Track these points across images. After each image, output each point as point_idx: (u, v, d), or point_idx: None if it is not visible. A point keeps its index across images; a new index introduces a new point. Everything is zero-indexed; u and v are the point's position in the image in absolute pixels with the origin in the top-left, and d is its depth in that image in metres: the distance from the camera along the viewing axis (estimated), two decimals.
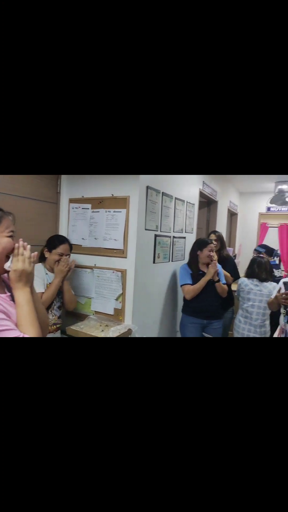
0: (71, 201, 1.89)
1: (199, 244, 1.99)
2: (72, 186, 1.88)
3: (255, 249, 2.86)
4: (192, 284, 1.92)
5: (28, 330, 0.70)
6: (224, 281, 2.02)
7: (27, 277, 0.74)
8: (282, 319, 1.76)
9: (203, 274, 1.94)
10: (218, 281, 1.94)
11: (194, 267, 1.96)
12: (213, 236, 2.25)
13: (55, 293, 1.50)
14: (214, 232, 2.32)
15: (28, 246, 0.76)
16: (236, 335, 2.15)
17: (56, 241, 1.54)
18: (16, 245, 0.75)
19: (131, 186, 1.65)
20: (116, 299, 1.72)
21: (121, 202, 1.68)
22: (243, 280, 2.16)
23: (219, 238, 2.27)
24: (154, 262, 1.88)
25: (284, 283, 1.70)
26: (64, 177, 1.89)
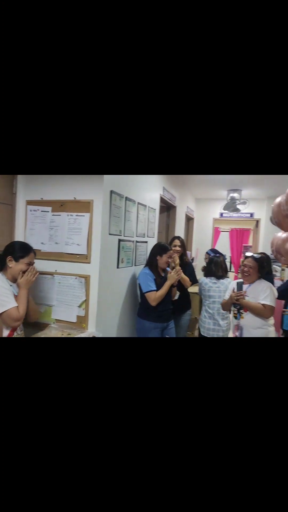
0: (29, 203, 1.77)
1: (160, 249, 1.98)
2: (30, 188, 1.76)
3: (206, 252, 3.05)
4: (156, 290, 1.89)
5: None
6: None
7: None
8: (232, 317, 1.89)
9: (163, 278, 1.96)
10: (175, 285, 2.01)
11: (156, 272, 1.96)
12: (177, 242, 2.31)
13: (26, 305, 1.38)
14: (178, 237, 2.39)
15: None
16: (202, 330, 2.26)
17: (24, 249, 1.40)
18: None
19: (95, 190, 1.62)
20: (79, 306, 1.66)
21: (84, 206, 1.63)
22: (203, 279, 2.29)
23: (182, 244, 2.34)
24: (118, 267, 1.87)
25: (237, 283, 1.83)
26: (20, 178, 1.77)
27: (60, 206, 1.69)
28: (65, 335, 1.57)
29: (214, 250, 3.08)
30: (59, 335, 1.58)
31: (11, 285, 1.37)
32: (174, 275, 1.92)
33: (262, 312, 1.74)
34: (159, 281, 1.92)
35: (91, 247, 1.63)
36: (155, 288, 1.88)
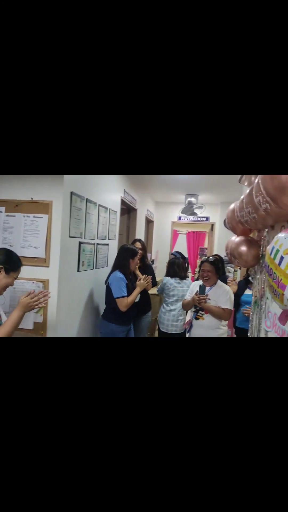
0: None
1: (132, 253, 1.96)
2: None
3: (172, 253, 3.17)
4: (127, 296, 1.85)
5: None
6: None
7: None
8: (190, 314, 1.98)
9: (133, 282, 1.96)
10: None
11: (127, 276, 1.92)
12: (138, 245, 2.34)
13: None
14: (139, 240, 2.42)
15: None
16: (162, 327, 2.35)
17: (18, 262, 1.20)
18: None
19: (54, 191, 1.56)
20: (37, 312, 1.58)
21: (42, 207, 1.56)
22: (168, 279, 2.36)
23: (143, 246, 2.37)
24: (78, 270, 1.82)
25: (200, 286, 1.92)
26: None
27: (15, 206, 1.59)
28: None
29: (179, 252, 3.21)
30: None
31: None
32: (144, 283, 1.89)
33: (223, 315, 1.86)
34: (130, 286, 1.90)
35: (50, 250, 1.57)
36: (127, 294, 1.84)
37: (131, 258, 1.94)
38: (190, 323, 1.98)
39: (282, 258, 0.74)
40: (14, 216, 1.59)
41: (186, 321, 1.99)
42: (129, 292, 1.87)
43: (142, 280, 1.90)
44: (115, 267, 1.96)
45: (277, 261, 0.76)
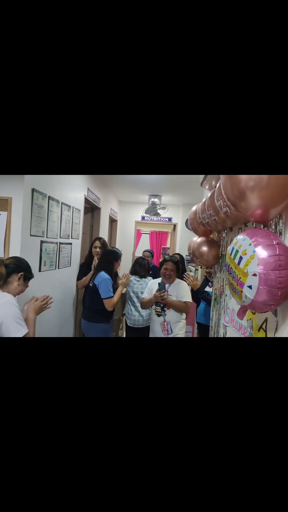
0: None
1: (116, 255, 2.10)
2: None
3: (147, 251, 3.29)
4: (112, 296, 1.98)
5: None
6: None
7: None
8: (156, 316, 2.03)
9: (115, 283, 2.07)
10: None
11: (113, 278, 2.03)
12: (97, 243, 2.32)
13: None
14: (99, 238, 2.40)
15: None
16: (129, 322, 2.43)
17: (31, 271, 1.28)
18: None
19: (14, 187, 1.48)
20: None
21: (1, 204, 1.47)
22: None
23: (103, 245, 2.36)
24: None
25: (159, 284, 1.98)
26: None
27: None
28: None
29: (150, 250, 3.36)
30: None
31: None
32: (125, 281, 2.04)
33: (185, 308, 1.98)
34: (115, 287, 2.04)
35: (8, 249, 1.48)
36: (113, 295, 1.97)
37: (115, 260, 2.07)
38: (167, 323, 2.01)
39: (241, 258, 0.80)
40: None
41: (162, 324, 2.03)
42: (114, 292, 2.02)
43: (123, 279, 2.04)
44: (100, 268, 2.03)
45: (236, 260, 0.82)
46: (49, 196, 1.81)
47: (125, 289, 2.37)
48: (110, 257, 2.07)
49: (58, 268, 2.06)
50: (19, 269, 1.21)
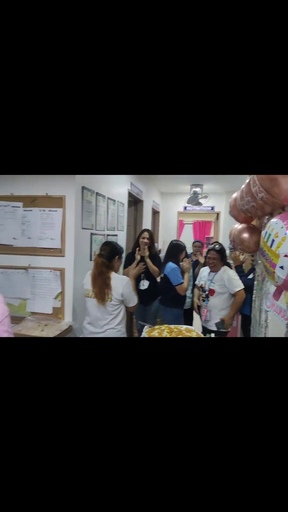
0: None
1: (180, 248, 2.28)
2: None
3: (197, 241, 3.33)
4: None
5: None
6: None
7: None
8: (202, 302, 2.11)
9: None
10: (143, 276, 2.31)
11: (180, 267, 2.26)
12: (146, 234, 2.43)
13: None
14: (147, 230, 2.50)
15: None
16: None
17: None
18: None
19: (67, 186, 1.68)
20: (55, 298, 1.72)
21: (56, 201, 1.69)
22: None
23: (151, 236, 2.47)
24: (91, 260, 1.95)
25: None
26: None
27: (32, 201, 1.72)
28: (42, 326, 1.64)
29: (200, 241, 3.39)
30: (36, 327, 1.63)
31: None
32: (187, 265, 2.19)
33: (242, 297, 1.99)
34: (182, 274, 2.23)
35: (65, 241, 1.69)
36: (183, 281, 2.16)
37: (179, 252, 2.26)
38: (207, 310, 2.10)
39: (273, 240, 0.84)
40: (31, 210, 1.72)
41: (203, 310, 2.13)
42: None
43: (185, 264, 2.19)
44: (167, 260, 2.26)
45: (269, 243, 0.87)
46: (96, 192, 1.99)
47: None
48: (175, 250, 2.28)
49: None
50: (117, 252, 1.54)
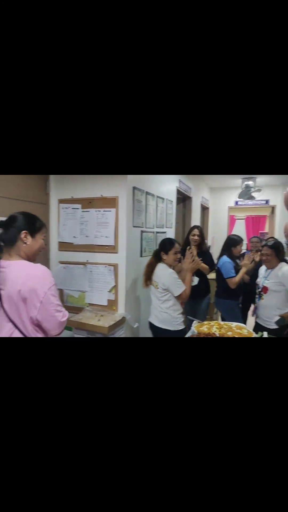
0: (61, 201, 1.99)
1: (234, 242, 2.35)
2: (61, 188, 1.98)
3: (255, 237, 3.21)
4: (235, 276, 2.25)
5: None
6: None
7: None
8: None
9: (238, 265, 2.30)
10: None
11: (234, 260, 2.32)
12: (196, 231, 2.45)
13: None
14: (197, 227, 2.51)
15: None
16: None
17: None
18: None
19: (119, 187, 1.80)
20: (109, 291, 1.88)
21: (110, 202, 1.83)
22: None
23: (201, 233, 2.47)
24: (141, 256, 2.06)
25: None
26: (52, 179, 1.98)
27: (88, 203, 1.90)
28: (98, 316, 1.80)
29: (259, 237, 3.29)
30: (93, 317, 1.80)
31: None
32: (246, 261, 2.23)
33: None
34: (237, 268, 2.30)
35: (117, 239, 1.83)
36: (235, 275, 2.22)
37: (233, 245, 2.33)
38: (256, 307, 2.05)
39: None
40: (88, 211, 1.90)
41: (253, 307, 2.09)
42: (236, 273, 2.25)
43: (245, 261, 2.23)
44: (222, 252, 2.37)
45: None
46: (146, 192, 2.09)
47: (213, 274, 2.48)
48: (230, 243, 2.35)
49: None
50: (166, 247, 1.75)
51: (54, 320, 0.99)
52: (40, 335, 1.00)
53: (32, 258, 1.09)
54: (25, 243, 1.04)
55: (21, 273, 0.98)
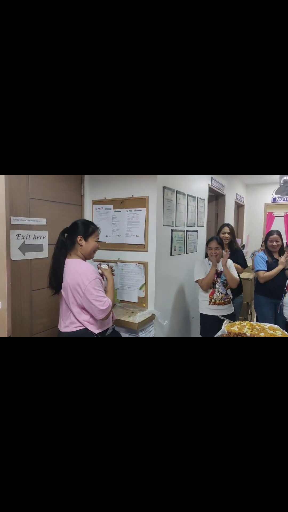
0: (94, 202, 2.09)
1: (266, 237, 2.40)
2: (94, 189, 2.08)
3: None
4: (266, 270, 2.29)
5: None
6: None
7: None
8: None
9: (276, 260, 2.31)
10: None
11: (270, 255, 2.36)
12: (226, 229, 2.40)
13: None
14: (227, 225, 2.47)
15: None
16: None
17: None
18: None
19: (149, 187, 1.84)
20: (140, 289, 1.93)
21: (140, 202, 1.88)
22: None
23: (231, 231, 2.42)
24: (171, 255, 2.08)
25: None
26: (86, 182, 2.09)
27: (120, 203, 1.97)
28: (129, 313, 1.87)
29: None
30: (124, 313, 1.87)
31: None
32: (283, 260, 2.22)
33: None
34: (271, 263, 2.31)
35: (148, 238, 1.87)
36: (265, 269, 2.28)
37: (267, 240, 2.38)
38: (282, 304, 2.00)
39: None
40: (120, 211, 1.97)
41: None
42: (270, 269, 2.28)
43: (283, 259, 2.23)
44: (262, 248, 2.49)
45: None
46: (176, 191, 2.10)
47: (246, 274, 2.42)
48: (265, 239, 2.41)
49: (186, 253, 2.35)
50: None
51: (94, 308, 1.29)
52: (87, 317, 1.34)
53: (88, 257, 1.41)
54: (80, 245, 1.36)
55: (73, 269, 1.32)
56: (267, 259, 2.31)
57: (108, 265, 1.54)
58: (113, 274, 1.53)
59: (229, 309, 2.08)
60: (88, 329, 1.35)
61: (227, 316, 1.96)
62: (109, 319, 1.45)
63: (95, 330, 1.36)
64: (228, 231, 2.38)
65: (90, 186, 2.09)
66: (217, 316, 1.98)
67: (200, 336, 2.16)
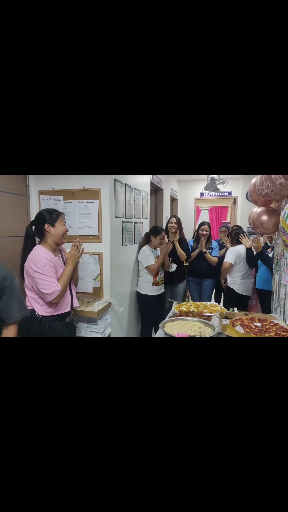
0: (41, 193, 2.00)
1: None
2: (41, 180, 1.99)
3: (225, 227, 3.38)
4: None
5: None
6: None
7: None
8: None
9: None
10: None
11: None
12: (173, 220, 2.64)
13: None
14: (174, 216, 2.73)
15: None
16: None
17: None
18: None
19: (101, 179, 1.88)
20: (95, 279, 1.97)
21: (93, 194, 1.90)
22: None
23: (178, 222, 2.67)
24: (122, 245, 2.18)
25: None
26: None
27: (71, 194, 1.94)
28: (85, 304, 1.89)
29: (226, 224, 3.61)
30: (80, 304, 1.89)
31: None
32: (164, 247, 2.42)
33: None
34: (195, 247, 2.80)
35: (101, 229, 1.92)
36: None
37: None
38: None
39: None
40: (71, 202, 1.95)
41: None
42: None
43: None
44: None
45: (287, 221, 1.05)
46: (125, 184, 2.19)
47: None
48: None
49: (134, 243, 2.48)
50: (148, 234, 2.40)
51: (39, 291, 1.40)
52: (33, 294, 1.44)
53: (59, 242, 1.52)
54: (49, 232, 1.46)
55: (30, 254, 1.43)
56: (192, 245, 2.78)
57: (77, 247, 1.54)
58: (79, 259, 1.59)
59: (162, 288, 2.52)
60: (34, 310, 1.41)
61: (159, 295, 2.48)
62: (64, 304, 1.51)
63: (42, 312, 1.42)
64: (175, 221, 2.62)
65: (36, 176, 1.99)
66: (155, 295, 2.42)
67: (140, 313, 2.51)
